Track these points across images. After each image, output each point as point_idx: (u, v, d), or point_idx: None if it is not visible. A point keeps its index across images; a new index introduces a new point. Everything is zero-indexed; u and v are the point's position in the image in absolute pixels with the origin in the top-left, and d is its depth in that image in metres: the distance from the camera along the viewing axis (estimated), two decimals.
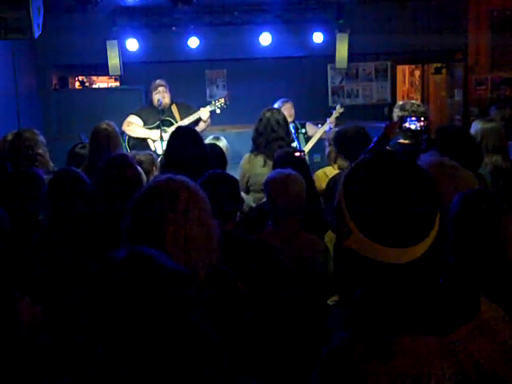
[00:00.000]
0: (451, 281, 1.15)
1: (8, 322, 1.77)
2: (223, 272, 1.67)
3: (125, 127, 5.43)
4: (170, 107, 5.57)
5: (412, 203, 1.12)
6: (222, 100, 5.66)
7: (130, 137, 5.49)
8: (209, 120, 5.49)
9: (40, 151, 3.94)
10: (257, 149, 4.34)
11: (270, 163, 3.94)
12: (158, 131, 5.42)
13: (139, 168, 3.22)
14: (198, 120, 5.45)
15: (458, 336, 1.10)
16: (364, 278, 1.18)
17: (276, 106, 5.41)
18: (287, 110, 5.39)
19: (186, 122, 5.44)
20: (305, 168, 3.41)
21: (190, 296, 1.15)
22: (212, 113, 5.58)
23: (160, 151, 5.36)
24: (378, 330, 1.10)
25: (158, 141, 5.46)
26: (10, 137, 4.12)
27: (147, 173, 3.84)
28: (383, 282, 1.15)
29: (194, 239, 1.56)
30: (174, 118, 5.54)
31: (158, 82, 5.59)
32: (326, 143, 4.45)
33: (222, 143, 4.70)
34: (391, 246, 1.12)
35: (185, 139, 3.31)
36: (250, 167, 4.27)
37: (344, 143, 3.80)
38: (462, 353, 1.09)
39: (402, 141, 4.09)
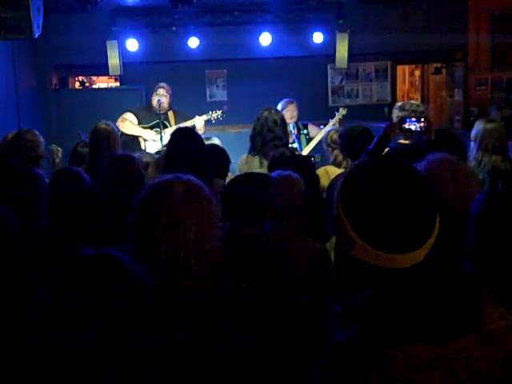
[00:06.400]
0: (454, 289, 1.13)
1: (20, 320, 1.79)
2: (224, 272, 1.67)
3: (119, 122, 5.45)
4: (166, 112, 5.60)
5: (411, 207, 1.11)
6: (220, 112, 5.70)
7: (121, 133, 5.50)
8: (203, 129, 5.53)
9: (42, 153, 3.94)
10: (254, 149, 4.34)
11: (266, 164, 3.94)
12: (152, 131, 5.48)
13: (142, 168, 3.22)
14: (192, 128, 5.47)
15: (456, 346, 1.08)
16: (365, 283, 1.17)
17: (280, 106, 5.40)
18: (290, 112, 5.37)
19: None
20: (305, 170, 3.36)
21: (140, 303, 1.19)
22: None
23: (151, 151, 5.37)
24: (376, 336, 1.09)
25: (148, 141, 5.51)
26: (10, 137, 4.12)
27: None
28: (385, 288, 1.14)
29: (185, 237, 1.56)
30: (169, 123, 5.58)
31: (161, 83, 5.66)
32: (324, 146, 4.46)
33: (215, 143, 4.69)
34: (395, 252, 1.11)
35: (185, 139, 3.31)
36: (247, 168, 4.27)
37: (348, 142, 3.81)
38: (459, 364, 1.07)
39: (402, 141, 4.09)
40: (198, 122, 5.47)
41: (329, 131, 4.60)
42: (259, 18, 7.18)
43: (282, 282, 2.17)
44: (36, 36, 4.22)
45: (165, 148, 3.82)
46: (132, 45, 7.15)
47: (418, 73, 9.54)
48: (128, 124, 5.51)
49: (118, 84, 8.09)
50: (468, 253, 1.68)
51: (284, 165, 3.22)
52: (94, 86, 8.43)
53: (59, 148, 4.22)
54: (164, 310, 1.49)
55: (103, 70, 7.14)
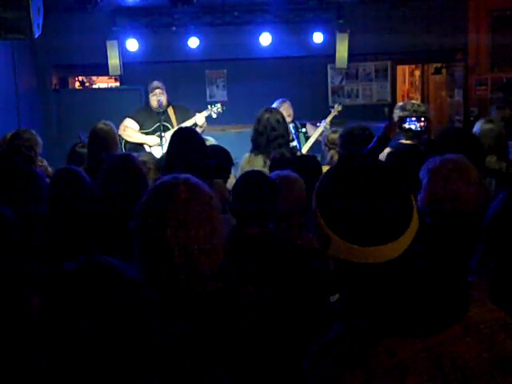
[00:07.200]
0: (436, 282, 1.13)
1: (23, 319, 1.79)
2: (230, 271, 1.67)
3: (121, 131, 5.44)
4: (166, 110, 5.59)
5: (383, 201, 1.11)
6: (219, 105, 5.69)
7: (125, 141, 5.50)
8: (204, 125, 5.52)
9: (40, 152, 3.95)
10: (257, 149, 4.34)
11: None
12: (155, 137, 5.46)
13: (143, 168, 3.21)
14: (194, 125, 5.46)
15: (441, 339, 1.08)
16: (345, 280, 1.17)
17: (274, 105, 5.42)
18: (286, 110, 5.40)
19: None
20: (309, 170, 3.34)
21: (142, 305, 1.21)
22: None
23: (157, 155, 5.36)
24: (360, 331, 1.10)
25: (154, 146, 5.48)
26: (9, 136, 4.12)
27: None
28: (366, 283, 1.14)
29: (196, 236, 1.55)
30: (170, 122, 5.55)
31: (155, 83, 5.59)
32: (323, 146, 4.47)
33: (210, 143, 4.68)
34: (368, 245, 1.11)
35: (186, 140, 3.31)
36: (249, 167, 4.26)
37: (348, 141, 3.81)
38: (444, 356, 1.07)
39: (403, 141, 4.09)
40: (199, 120, 5.47)
41: (325, 132, 4.62)
42: (259, 17, 7.18)
43: (286, 282, 2.17)
44: (36, 36, 4.22)
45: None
46: (132, 45, 7.15)
47: (417, 73, 9.55)
48: (130, 132, 5.51)
49: (117, 84, 8.09)
50: (478, 251, 1.66)
51: (286, 165, 3.22)
52: (94, 86, 8.43)
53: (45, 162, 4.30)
54: (174, 312, 1.49)
55: (103, 70, 7.14)
